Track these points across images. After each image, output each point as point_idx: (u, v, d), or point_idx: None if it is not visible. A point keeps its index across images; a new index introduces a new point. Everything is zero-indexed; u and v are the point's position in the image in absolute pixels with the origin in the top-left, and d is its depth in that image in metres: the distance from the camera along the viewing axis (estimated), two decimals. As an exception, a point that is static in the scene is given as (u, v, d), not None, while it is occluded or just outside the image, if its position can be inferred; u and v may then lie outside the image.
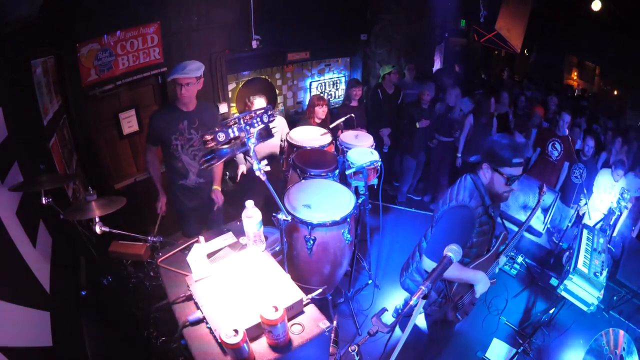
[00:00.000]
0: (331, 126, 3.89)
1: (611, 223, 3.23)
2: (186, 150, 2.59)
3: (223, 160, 1.85)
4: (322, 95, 5.19)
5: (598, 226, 3.05)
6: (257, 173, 1.82)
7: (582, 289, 2.26)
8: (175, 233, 3.11)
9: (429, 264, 1.80)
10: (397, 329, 1.46)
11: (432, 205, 4.72)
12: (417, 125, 4.24)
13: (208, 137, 1.72)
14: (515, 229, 2.21)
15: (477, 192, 1.83)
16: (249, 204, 1.87)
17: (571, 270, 2.34)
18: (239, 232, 2.04)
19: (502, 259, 2.05)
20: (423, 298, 1.35)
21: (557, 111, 4.50)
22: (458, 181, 1.95)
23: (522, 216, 3.37)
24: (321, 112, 3.84)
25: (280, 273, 1.68)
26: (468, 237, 1.83)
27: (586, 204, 3.60)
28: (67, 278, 2.03)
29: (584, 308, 2.28)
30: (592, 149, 3.91)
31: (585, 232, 2.74)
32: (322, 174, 2.84)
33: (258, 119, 1.84)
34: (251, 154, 1.82)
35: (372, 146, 3.38)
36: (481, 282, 1.90)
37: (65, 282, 1.95)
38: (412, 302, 1.33)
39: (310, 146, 3.25)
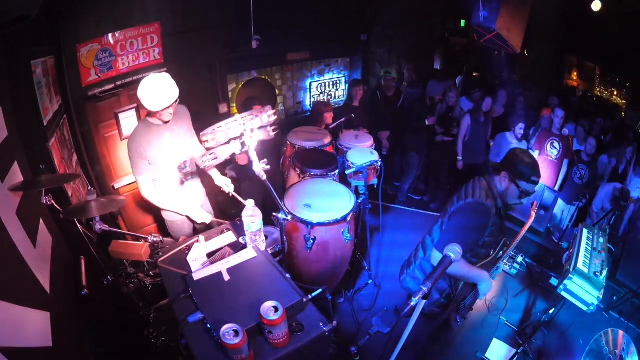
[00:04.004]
0: (331, 126, 3.89)
1: (611, 222, 3.24)
2: (175, 159, 2.50)
3: (222, 161, 1.85)
4: (325, 100, 5.19)
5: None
6: (257, 172, 1.82)
7: (582, 288, 2.26)
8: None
9: (439, 258, 1.81)
10: (397, 329, 1.45)
11: (433, 205, 4.71)
12: (427, 123, 4.23)
13: (208, 137, 1.72)
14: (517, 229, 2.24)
15: (491, 193, 1.90)
16: (249, 203, 1.87)
17: (571, 270, 2.34)
18: (239, 232, 2.04)
19: (500, 265, 2.07)
20: (423, 298, 1.35)
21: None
22: (472, 181, 1.99)
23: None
24: (329, 117, 3.92)
25: (281, 273, 1.68)
26: (482, 234, 1.88)
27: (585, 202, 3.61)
28: (67, 278, 2.02)
29: (584, 308, 2.27)
30: (594, 148, 3.89)
31: (585, 231, 2.73)
32: (322, 174, 2.84)
33: (258, 119, 1.85)
34: (251, 153, 1.82)
35: (372, 146, 3.38)
36: (485, 282, 1.91)
37: (65, 282, 1.95)
38: (412, 303, 1.33)
39: (310, 146, 3.25)
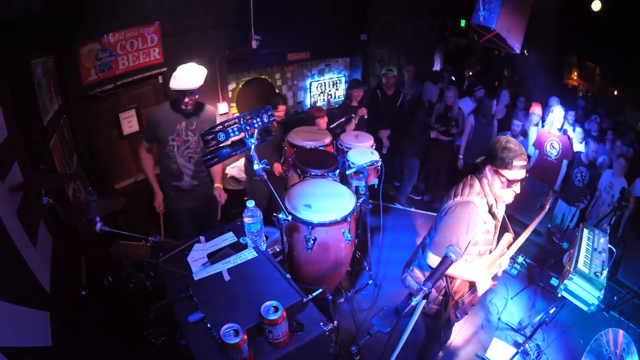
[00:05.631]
0: (331, 126, 3.89)
1: (611, 222, 3.23)
2: (182, 152, 2.57)
3: (223, 160, 1.85)
4: (319, 106, 5.17)
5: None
6: (256, 166, 1.81)
7: (583, 289, 2.26)
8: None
9: (432, 260, 1.80)
10: (397, 329, 1.45)
11: (436, 204, 4.70)
12: (432, 135, 4.25)
13: (208, 137, 1.72)
14: (520, 230, 2.22)
15: (482, 191, 1.85)
16: (250, 203, 1.87)
17: (572, 270, 2.34)
18: (240, 232, 2.04)
19: (505, 262, 2.05)
20: (424, 298, 1.35)
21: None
22: (464, 180, 1.95)
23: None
24: (322, 122, 3.82)
25: (281, 273, 1.68)
26: (472, 233, 1.83)
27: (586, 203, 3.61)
28: (67, 278, 2.02)
29: (584, 308, 2.27)
30: (594, 153, 3.90)
31: (585, 231, 2.73)
32: (323, 174, 2.84)
33: (258, 119, 1.85)
34: (251, 153, 1.82)
35: (372, 146, 3.38)
36: (483, 281, 1.90)
37: (65, 282, 1.95)
38: (413, 302, 1.34)
39: (310, 146, 3.24)
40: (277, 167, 3.37)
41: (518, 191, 1.83)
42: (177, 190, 2.69)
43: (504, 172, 1.76)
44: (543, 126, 4.48)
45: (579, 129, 4.24)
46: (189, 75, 2.39)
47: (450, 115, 4.32)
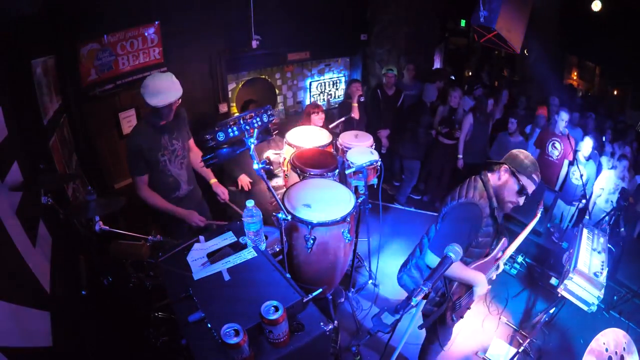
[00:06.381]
0: (331, 126, 3.88)
1: (611, 223, 3.24)
2: (174, 162, 2.52)
3: (223, 160, 1.85)
4: (317, 103, 5.16)
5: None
6: (256, 166, 1.81)
7: (583, 288, 2.26)
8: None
9: (432, 259, 1.80)
10: (397, 329, 1.45)
11: (438, 204, 4.70)
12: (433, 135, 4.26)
13: (208, 137, 1.72)
14: (517, 229, 2.23)
15: (486, 193, 1.87)
16: (249, 203, 1.87)
17: (571, 270, 2.34)
18: (239, 232, 2.04)
19: (500, 266, 2.05)
20: (424, 298, 1.36)
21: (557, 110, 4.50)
22: (467, 181, 1.96)
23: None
24: (317, 119, 3.74)
25: (281, 273, 1.68)
26: (475, 235, 1.85)
27: (587, 202, 3.60)
28: (67, 278, 2.02)
29: (584, 308, 2.28)
30: (593, 150, 3.90)
31: (585, 231, 2.74)
32: (322, 174, 2.83)
33: (258, 119, 1.85)
34: (251, 153, 1.82)
35: (372, 146, 3.38)
36: (480, 284, 1.91)
37: (65, 282, 1.95)
38: (412, 303, 1.33)
39: (310, 146, 3.24)
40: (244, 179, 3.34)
41: (521, 203, 1.90)
42: (176, 201, 2.62)
43: (522, 177, 1.83)
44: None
45: (589, 140, 4.22)
46: (169, 86, 2.23)
47: (454, 118, 4.31)
